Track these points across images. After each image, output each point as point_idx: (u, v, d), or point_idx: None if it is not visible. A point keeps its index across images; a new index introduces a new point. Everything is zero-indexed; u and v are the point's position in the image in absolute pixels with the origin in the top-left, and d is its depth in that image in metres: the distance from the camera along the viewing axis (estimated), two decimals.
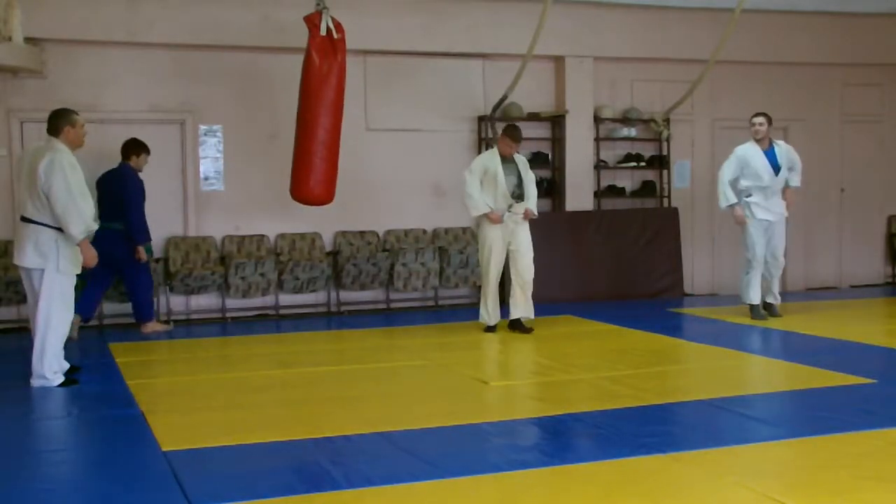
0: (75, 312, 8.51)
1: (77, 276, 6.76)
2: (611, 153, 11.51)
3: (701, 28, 11.10)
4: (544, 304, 8.73)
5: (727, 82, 11.63)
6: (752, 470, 4.53)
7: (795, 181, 9.40)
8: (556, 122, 11.15)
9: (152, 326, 9.03)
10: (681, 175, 11.74)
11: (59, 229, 6.48)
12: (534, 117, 10.94)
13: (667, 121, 11.39)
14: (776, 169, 9.17)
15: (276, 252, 10.10)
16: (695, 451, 4.80)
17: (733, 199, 9.24)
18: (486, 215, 8.61)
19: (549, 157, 11.17)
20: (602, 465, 4.62)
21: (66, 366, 6.76)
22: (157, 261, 9.28)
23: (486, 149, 10.35)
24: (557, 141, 11.17)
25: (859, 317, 9.85)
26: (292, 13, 9.35)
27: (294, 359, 7.76)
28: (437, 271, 10.34)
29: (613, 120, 11.37)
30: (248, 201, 10.08)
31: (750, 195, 9.24)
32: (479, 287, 9.60)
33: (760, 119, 9.18)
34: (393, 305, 10.58)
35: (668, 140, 11.47)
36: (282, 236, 10.20)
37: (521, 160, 8.84)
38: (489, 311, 8.77)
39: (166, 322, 9.42)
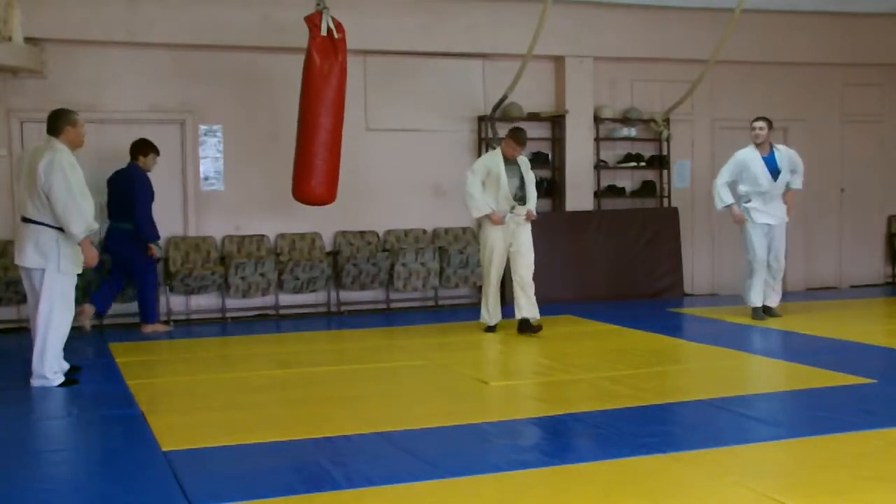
0: (90, 303, 8.69)
1: (95, 272, 6.78)
2: (611, 153, 11.51)
3: (701, 28, 11.10)
4: (544, 304, 8.73)
5: (727, 82, 11.63)
6: (752, 470, 4.53)
7: (797, 184, 9.37)
8: (556, 122, 11.15)
9: (153, 327, 9.04)
10: (681, 175, 11.74)
11: (60, 229, 6.49)
12: (534, 117, 10.94)
13: (667, 121, 11.39)
14: (775, 174, 9.14)
15: (276, 252, 10.10)
16: (695, 451, 4.80)
17: (729, 200, 9.23)
18: (487, 217, 8.61)
19: (549, 157, 11.17)
20: (602, 465, 4.62)
21: (66, 366, 6.76)
22: (158, 261, 9.29)
23: (487, 149, 10.37)
24: (557, 141, 11.17)
25: (859, 317, 9.85)
26: (292, 13, 9.36)
27: (294, 359, 7.76)
28: (437, 271, 10.34)
29: (613, 120, 11.37)
30: (248, 201, 10.08)
31: (749, 200, 9.23)
32: (480, 287, 9.62)
33: (761, 123, 9.16)
34: (393, 305, 10.58)
35: (668, 140, 11.47)
36: (282, 236, 10.20)
37: (524, 161, 8.83)
38: (490, 311, 8.77)
39: (166, 322, 9.42)
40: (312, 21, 9.00)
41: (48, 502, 4.27)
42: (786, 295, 10.20)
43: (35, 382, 6.61)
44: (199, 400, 6.23)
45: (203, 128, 9.96)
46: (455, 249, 10.41)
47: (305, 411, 5.93)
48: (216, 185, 10.03)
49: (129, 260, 8.91)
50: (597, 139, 11.29)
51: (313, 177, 9.15)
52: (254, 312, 10.09)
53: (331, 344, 8.84)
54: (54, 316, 6.57)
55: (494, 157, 8.67)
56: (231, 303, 9.92)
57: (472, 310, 9.65)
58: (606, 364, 7.15)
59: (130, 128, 9.43)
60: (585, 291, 10.88)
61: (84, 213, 6.47)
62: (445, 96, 10.72)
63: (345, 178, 9.47)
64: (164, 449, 4.96)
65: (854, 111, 12.35)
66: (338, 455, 4.84)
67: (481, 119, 10.80)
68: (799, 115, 11.92)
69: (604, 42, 11.09)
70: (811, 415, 5.64)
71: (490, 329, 8.77)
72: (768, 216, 9.22)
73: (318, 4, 9.02)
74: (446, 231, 10.80)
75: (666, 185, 11.60)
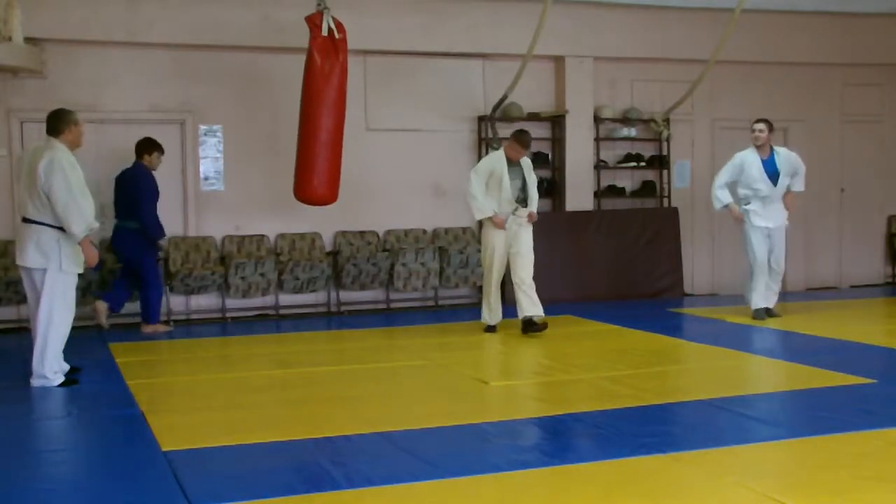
0: (103, 300, 8.75)
1: (95, 271, 6.80)
2: (611, 153, 11.51)
3: (701, 28, 11.10)
4: (544, 304, 8.72)
5: (727, 82, 11.63)
6: (752, 470, 4.53)
7: (798, 186, 9.34)
8: (556, 122, 11.14)
9: (153, 327, 9.04)
10: (681, 175, 11.74)
11: (61, 229, 6.50)
12: (534, 117, 10.93)
13: (667, 121, 11.39)
14: (774, 177, 9.11)
15: (276, 252, 10.10)
16: (695, 451, 4.80)
17: (727, 200, 9.22)
18: (490, 219, 8.61)
19: (549, 157, 11.16)
20: (602, 465, 4.62)
21: (67, 366, 6.76)
22: (158, 260, 9.30)
23: (487, 149, 10.37)
24: (557, 141, 11.17)
25: (859, 317, 9.85)
26: (292, 13, 9.36)
27: (294, 359, 7.76)
28: (437, 271, 10.34)
29: (613, 120, 11.37)
30: (248, 201, 10.08)
31: (748, 203, 9.22)
32: (480, 287, 9.61)
33: (761, 126, 9.13)
34: (393, 305, 10.58)
35: (668, 140, 11.47)
36: (282, 236, 10.20)
37: (527, 163, 8.82)
38: (490, 311, 8.77)
39: (166, 322, 9.42)
40: (313, 21, 9.01)
41: (48, 502, 4.28)
42: (786, 295, 10.21)
43: (35, 382, 6.61)
44: (199, 400, 6.24)
45: (203, 128, 9.96)
46: (455, 249, 10.40)
47: (305, 411, 5.93)
48: (216, 185, 10.03)
49: (134, 259, 8.94)
50: (597, 139, 11.29)
51: (315, 177, 9.17)
52: (254, 312, 10.09)
53: (331, 344, 8.84)
54: (55, 316, 6.58)
55: (499, 159, 8.64)
56: (231, 303, 9.92)
57: (472, 310, 9.65)
58: (606, 364, 7.15)
59: (130, 128, 9.43)
60: (585, 291, 10.88)
61: (84, 212, 6.48)
62: (445, 96, 10.71)
63: (345, 178, 9.48)
64: (164, 449, 4.96)
65: (854, 111, 12.35)
66: (338, 455, 4.83)
67: (481, 119, 10.80)
68: (799, 116, 11.93)
69: (604, 42, 11.09)
70: (811, 415, 5.64)
71: (490, 329, 8.77)
72: (767, 220, 9.19)
73: (319, 4, 9.03)
74: (446, 231, 10.80)
75: (666, 185, 11.60)
